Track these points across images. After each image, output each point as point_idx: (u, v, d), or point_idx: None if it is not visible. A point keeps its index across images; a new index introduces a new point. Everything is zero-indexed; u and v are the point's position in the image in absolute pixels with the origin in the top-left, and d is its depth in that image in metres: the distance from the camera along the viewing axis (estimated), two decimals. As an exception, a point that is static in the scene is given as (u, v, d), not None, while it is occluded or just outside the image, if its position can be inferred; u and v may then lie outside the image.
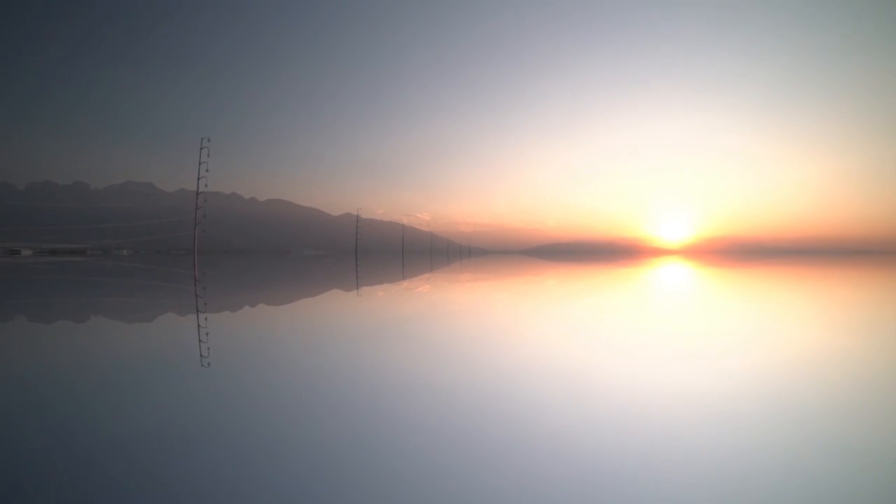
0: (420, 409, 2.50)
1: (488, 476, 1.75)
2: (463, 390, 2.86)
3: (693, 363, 3.57)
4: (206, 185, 43.50)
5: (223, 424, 2.27)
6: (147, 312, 7.04)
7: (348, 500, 1.58)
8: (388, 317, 6.50)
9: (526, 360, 3.68)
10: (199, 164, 43.17)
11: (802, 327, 5.47)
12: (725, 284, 13.52)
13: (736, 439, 2.09)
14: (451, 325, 5.69)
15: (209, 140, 43.42)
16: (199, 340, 4.48)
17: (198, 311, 6.90)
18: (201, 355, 3.81)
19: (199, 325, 5.42)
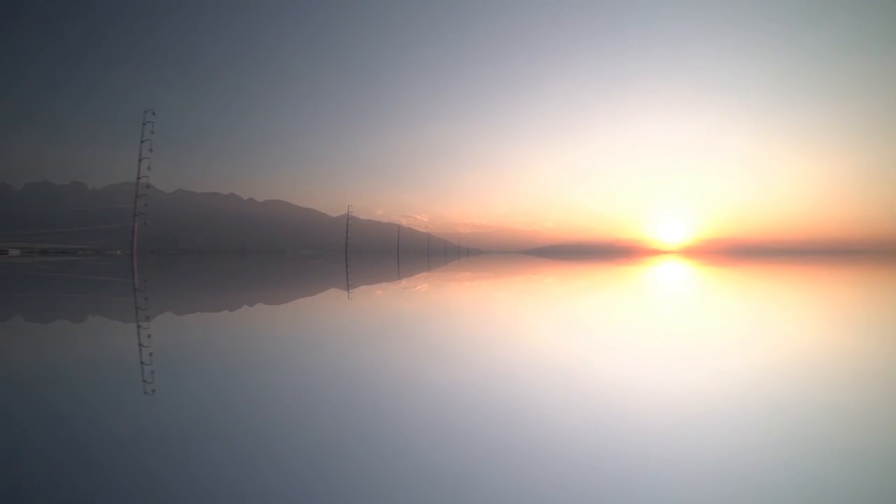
0: (413, 411, 2.42)
1: (488, 477, 1.73)
2: (460, 391, 2.78)
3: (691, 362, 3.49)
4: (149, 168, 34.66)
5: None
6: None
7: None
8: (362, 317, 5.83)
9: (522, 359, 3.58)
10: (142, 141, 34.13)
11: (800, 327, 5.35)
12: (723, 282, 13.30)
13: (736, 439, 2.08)
14: (440, 324, 5.48)
15: (154, 114, 35.39)
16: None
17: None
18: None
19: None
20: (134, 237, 34.57)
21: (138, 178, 34.24)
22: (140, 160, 33.79)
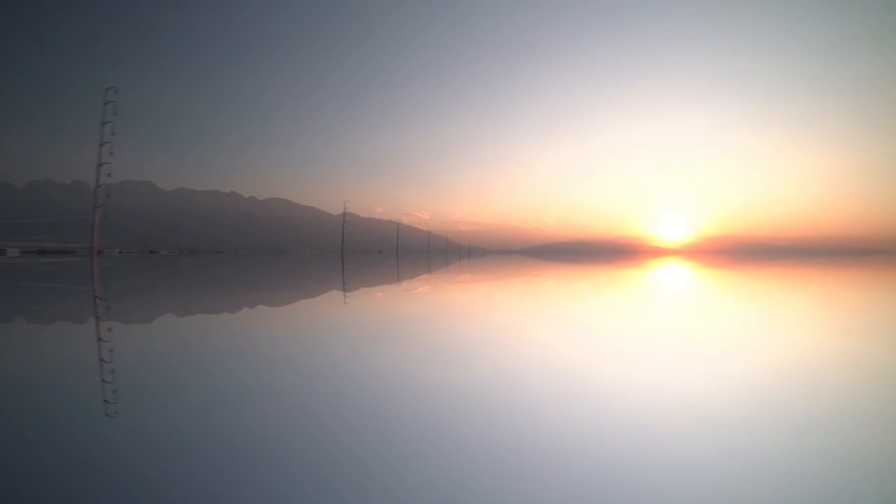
0: (413, 413, 2.38)
1: (490, 482, 1.72)
2: (457, 392, 2.76)
3: (693, 367, 3.47)
4: (111, 153, 29.78)
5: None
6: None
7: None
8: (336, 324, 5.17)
9: (522, 363, 3.55)
10: (103, 124, 28.99)
11: (805, 333, 5.18)
12: (727, 289, 12.81)
13: (737, 442, 2.07)
14: (440, 329, 5.34)
15: (116, 91, 29.56)
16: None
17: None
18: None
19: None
20: (94, 232, 29.05)
21: (99, 165, 28.61)
22: (101, 144, 28.14)
